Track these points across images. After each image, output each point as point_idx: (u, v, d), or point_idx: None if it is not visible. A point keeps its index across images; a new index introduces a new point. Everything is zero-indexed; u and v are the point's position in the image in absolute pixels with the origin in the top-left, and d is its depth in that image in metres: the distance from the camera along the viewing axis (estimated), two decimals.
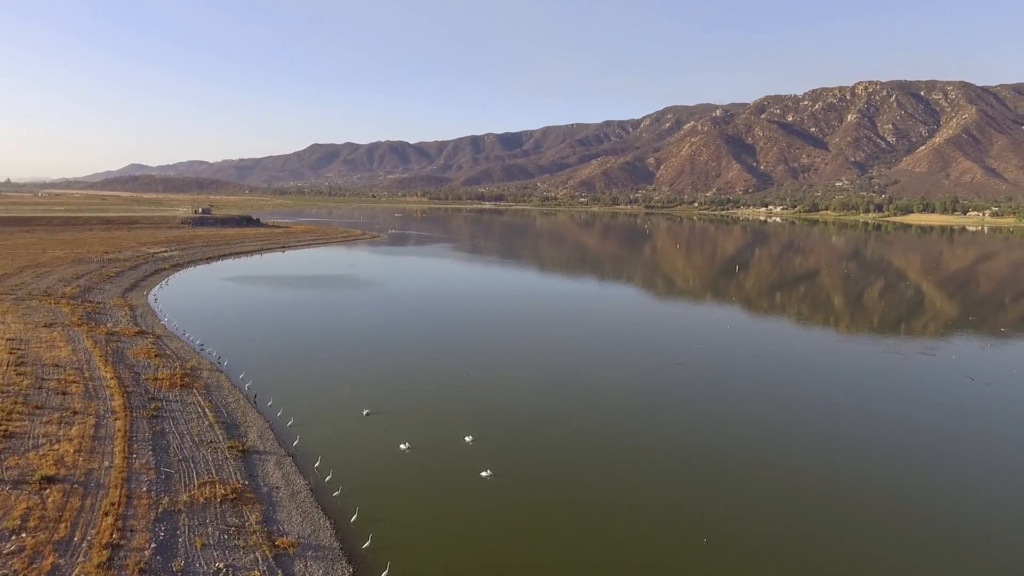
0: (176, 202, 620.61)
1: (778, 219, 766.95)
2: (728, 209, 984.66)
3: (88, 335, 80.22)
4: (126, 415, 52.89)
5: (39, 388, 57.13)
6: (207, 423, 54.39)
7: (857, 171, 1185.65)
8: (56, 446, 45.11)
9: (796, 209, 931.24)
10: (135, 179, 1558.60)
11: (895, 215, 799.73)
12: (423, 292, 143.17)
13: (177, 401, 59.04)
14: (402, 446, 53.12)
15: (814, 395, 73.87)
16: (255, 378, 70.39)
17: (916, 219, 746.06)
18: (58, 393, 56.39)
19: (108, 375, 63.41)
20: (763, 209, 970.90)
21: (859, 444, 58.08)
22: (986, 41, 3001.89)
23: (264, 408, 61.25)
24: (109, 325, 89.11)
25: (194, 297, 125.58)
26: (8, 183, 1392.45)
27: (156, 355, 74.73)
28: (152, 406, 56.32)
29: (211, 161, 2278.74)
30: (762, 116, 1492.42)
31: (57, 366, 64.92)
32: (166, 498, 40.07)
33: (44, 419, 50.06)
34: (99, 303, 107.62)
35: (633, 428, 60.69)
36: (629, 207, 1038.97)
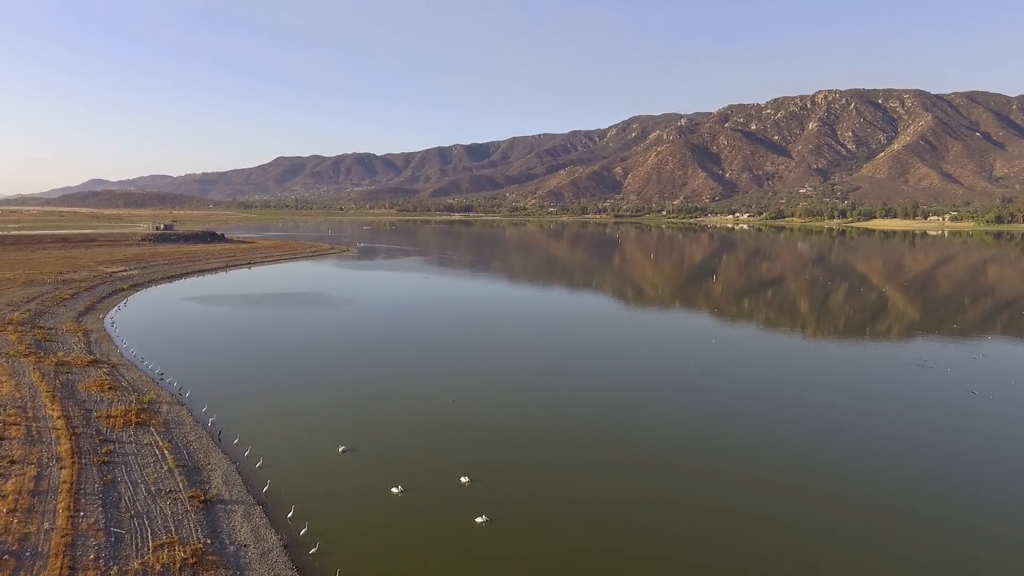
0: (137, 218, 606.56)
1: (745, 226, 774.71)
2: (696, 217, 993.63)
3: (35, 367, 73.69)
4: (73, 462, 47.09)
5: None
6: (166, 468, 48.77)
7: (820, 178, 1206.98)
8: None
9: (762, 216, 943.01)
10: (95, 195, 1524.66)
11: (858, 221, 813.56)
12: (396, 309, 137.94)
13: (132, 442, 53.27)
14: (394, 489, 47.80)
15: (812, 412, 70.49)
16: (220, 411, 64.74)
17: (879, 224, 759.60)
18: None
19: (55, 414, 57.35)
20: (730, 216, 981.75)
21: (866, 462, 54.67)
22: (939, 50, 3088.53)
23: (229, 446, 55.71)
24: (60, 354, 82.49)
25: (154, 320, 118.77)
26: None
27: (110, 388, 68.61)
28: (104, 450, 50.50)
29: (174, 175, 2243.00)
30: (726, 125, 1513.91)
31: None
32: (115, 567, 34.59)
33: None
34: (50, 329, 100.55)
35: (635, 456, 56.37)
36: (598, 216, 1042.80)
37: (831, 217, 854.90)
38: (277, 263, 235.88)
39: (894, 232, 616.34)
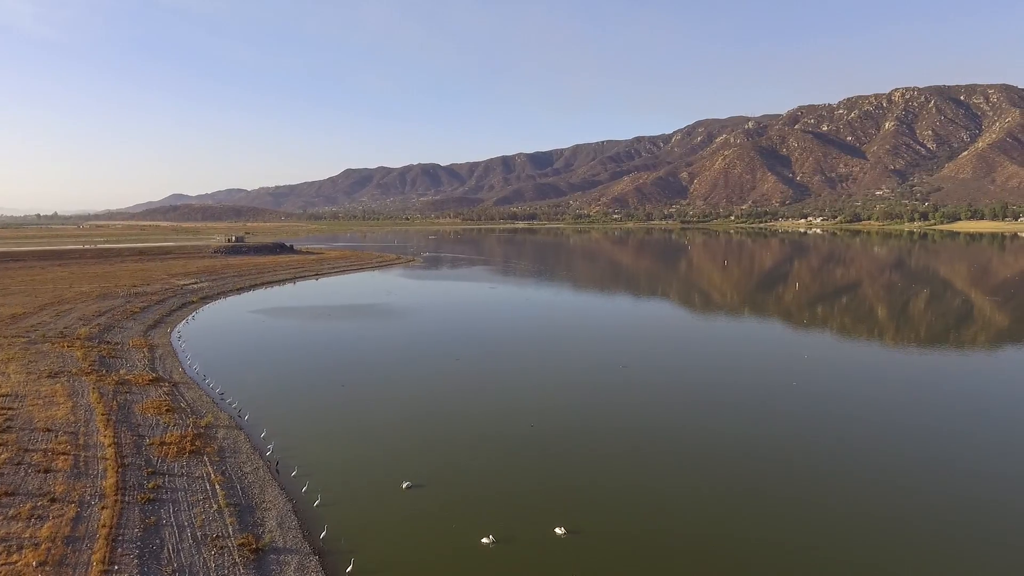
0: (213, 230, 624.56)
1: (818, 231, 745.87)
2: (766, 222, 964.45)
3: (95, 386, 71.08)
4: (116, 501, 42.82)
5: (18, 464, 47.54)
6: (215, 507, 44.03)
7: (897, 179, 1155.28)
8: (15, 557, 35.04)
9: (837, 220, 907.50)
10: (175, 209, 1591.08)
11: (942, 223, 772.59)
12: (462, 321, 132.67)
13: (183, 475, 48.95)
14: (485, 540, 41.55)
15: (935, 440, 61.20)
16: (278, 435, 60.28)
17: (965, 226, 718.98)
18: (39, 471, 46.70)
19: (106, 441, 53.73)
20: (802, 221, 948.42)
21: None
22: None
23: (287, 479, 50.84)
24: (122, 372, 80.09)
25: (220, 333, 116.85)
26: (55, 216, 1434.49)
27: (168, 409, 65.13)
28: (150, 484, 46.19)
29: (248, 189, 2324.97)
30: (796, 127, 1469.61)
31: (49, 430, 55.48)
32: None
33: (11, 512, 40.21)
34: (117, 344, 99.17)
35: (784, 511, 48.77)
36: (664, 222, 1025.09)
37: (912, 219, 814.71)
38: (344, 274, 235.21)
39: (981, 235, 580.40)
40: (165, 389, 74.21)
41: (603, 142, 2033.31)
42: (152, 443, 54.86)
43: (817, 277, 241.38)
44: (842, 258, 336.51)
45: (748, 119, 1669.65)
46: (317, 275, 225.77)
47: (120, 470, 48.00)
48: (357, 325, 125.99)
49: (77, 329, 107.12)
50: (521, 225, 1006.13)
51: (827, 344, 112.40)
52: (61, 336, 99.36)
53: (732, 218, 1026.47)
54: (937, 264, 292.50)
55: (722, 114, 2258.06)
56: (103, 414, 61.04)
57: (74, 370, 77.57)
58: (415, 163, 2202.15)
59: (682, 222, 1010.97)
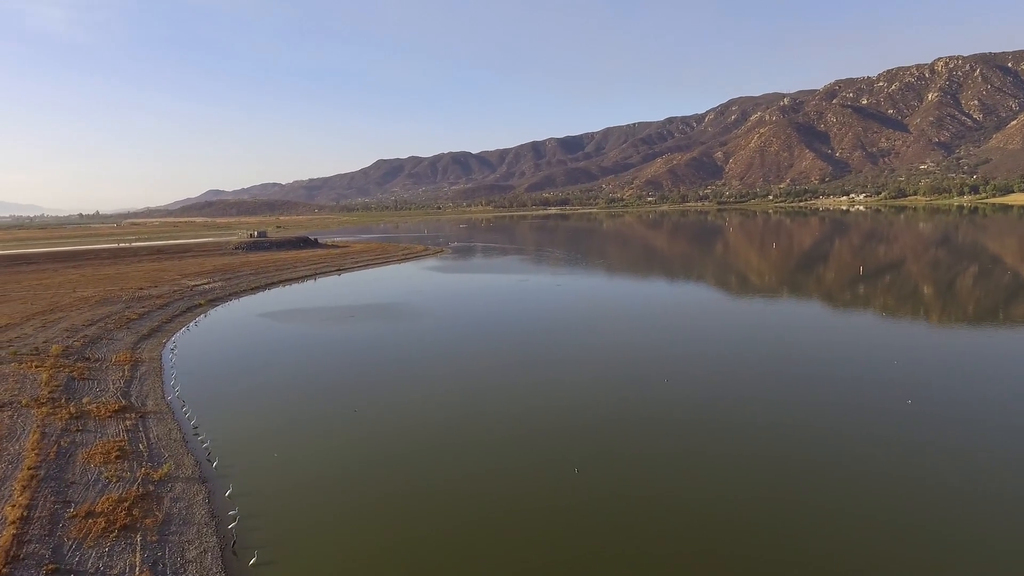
0: (245, 225, 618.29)
1: (861, 208, 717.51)
2: (805, 200, 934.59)
3: (41, 423, 58.62)
4: None
5: None
6: None
7: (942, 152, 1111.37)
8: None
9: (880, 196, 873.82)
10: (211, 204, 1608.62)
11: (993, 196, 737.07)
12: (492, 321, 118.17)
13: (94, 572, 35.69)
14: None
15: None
16: (249, 494, 46.89)
17: (1018, 199, 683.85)
18: None
19: (13, 514, 40.72)
20: (844, 198, 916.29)
21: None
22: None
23: (244, 570, 37.43)
24: (86, 400, 67.62)
25: (218, 344, 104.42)
26: (96, 215, 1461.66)
27: (119, 456, 52.26)
28: None
29: (283, 183, 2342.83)
30: (834, 101, 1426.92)
31: None
32: None
33: None
34: (97, 361, 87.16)
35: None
36: (699, 204, 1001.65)
37: (960, 193, 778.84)
38: (368, 268, 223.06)
39: None
40: (128, 423, 61.46)
41: (634, 124, 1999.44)
42: (76, 515, 41.77)
43: (883, 258, 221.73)
44: (898, 236, 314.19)
45: (783, 95, 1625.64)
46: (339, 270, 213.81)
47: (9, 564, 34.92)
48: (373, 329, 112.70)
49: (62, 342, 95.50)
50: (553, 211, 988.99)
51: (924, 338, 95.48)
52: (34, 353, 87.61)
53: (770, 197, 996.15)
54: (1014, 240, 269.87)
55: (756, 91, 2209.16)
56: (30, 468, 48.27)
57: (25, 400, 65.24)
58: (445, 152, 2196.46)
59: (718, 203, 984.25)
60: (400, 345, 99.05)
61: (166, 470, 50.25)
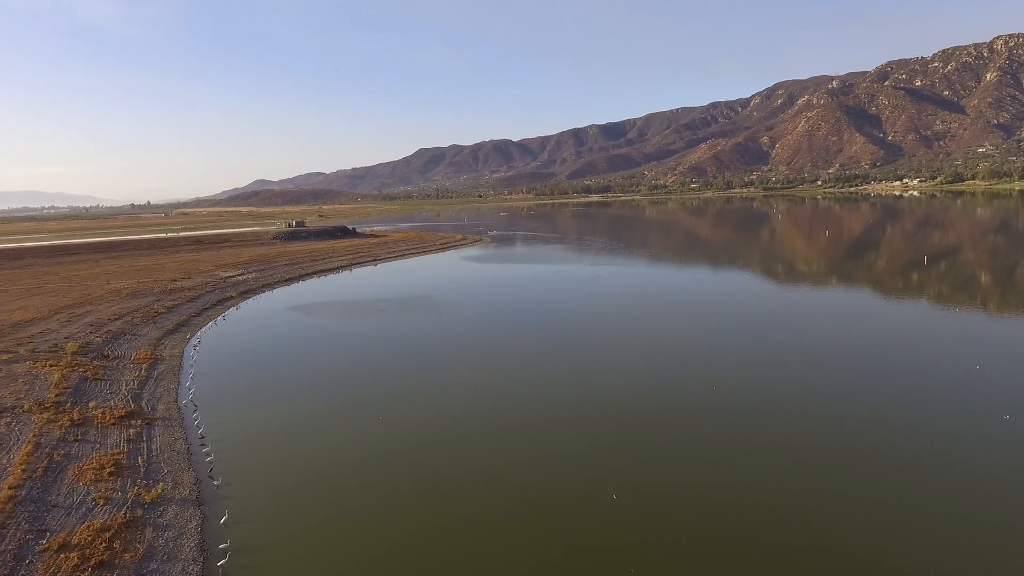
0: (289, 214, 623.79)
1: (915, 193, 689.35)
2: (856, 185, 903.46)
3: (38, 432, 54.42)
4: None
5: None
6: None
7: (1002, 134, 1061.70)
8: None
9: (936, 181, 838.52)
10: (257, 194, 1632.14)
11: None
12: (529, 317, 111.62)
13: None
14: None
15: None
16: (247, 521, 41.63)
17: None
18: None
19: None
20: (897, 183, 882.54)
21: None
22: None
23: None
24: (92, 404, 63.50)
25: (244, 340, 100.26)
26: (148, 205, 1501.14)
27: (113, 472, 47.56)
28: None
29: (327, 172, 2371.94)
30: (886, 83, 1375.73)
31: None
32: None
33: None
34: (116, 358, 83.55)
35: None
36: (744, 190, 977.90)
37: (1022, 177, 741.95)
38: (404, 258, 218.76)
39: None
40: (131, 432, 56.96)
41: (677, 109, 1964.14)
42: (47, 547, 36.92)
43: (945, 247, 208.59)
44: (963, 224, 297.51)
45: (832, 78, 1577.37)
46: (375, 260, 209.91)
47: None
48: (404, 324, 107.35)
49: (82, 338, 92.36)
50: (595, 198, 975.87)
51: (1014, 339, 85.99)
52: (52, 351, 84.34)
53: (819, 183, 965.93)
54: None
55: (803, 74, 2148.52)
56: (11, 488, 43.72)
57: (28, 405, 61.25)
58: (486, 140, 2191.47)
59: (764, 189, 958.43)
60: (433, 344, 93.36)
61: (160, 489, 45.31)
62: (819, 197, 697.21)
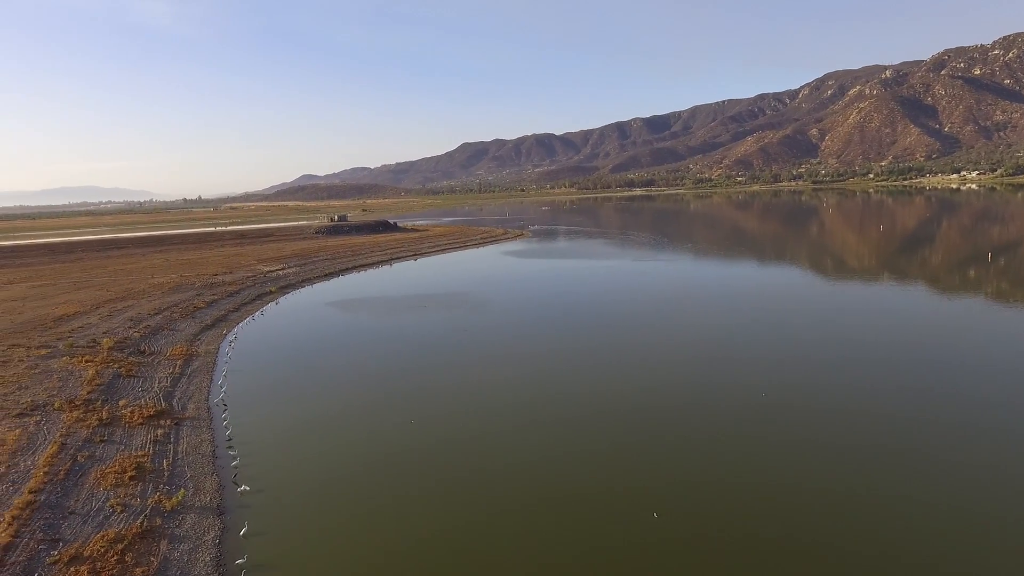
0: (333, 208, 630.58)
1: (973, 186, 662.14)
2: (910, 178, 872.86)
3: (65, 432, 53.35)
4: None
5: None
6: None
7: None
8: None
9: (996, 173, 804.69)
10: (303, 189, 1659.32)
11: None
12: (568, 316, 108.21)
13: None
14: None
15: None
16: (268, 532, 39.52)
17: None
18: None
19: None
20: (954, 176, 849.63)
21: None
22: None
23: None
24: (123, 402, 62.47)
25: (281, 336, 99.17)
26: (199, 200, 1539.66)
27: (134, 476, 46.00)
28: None
29: (371, 167, 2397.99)
30: (942, 72, 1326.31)
31: None
32: None
33: None
34: (152, 354, 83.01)
35: None
36: (793, 183, 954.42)
37: None
38: (445, 252, 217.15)
39: None
40: (159, 432, 55.56)
41: (723, 102, 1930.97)
42: (58, 559, 35.22)
43: (1008, 242, 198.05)
44: None
45: (885, 68, 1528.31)
46: (416, 255, 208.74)
47: None
48: (441, 321, 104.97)
49: (121, 333, 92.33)
50: (638, 192, 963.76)
51: None
52: (90, 346, 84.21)
53: (871, 176, 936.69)
54: None
55: (855, 64, 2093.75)
56: (32, 491, 42.39)
57: (59, 403, 60.40)
58: (529, 134, 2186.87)
59: (813, 182, 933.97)
60: (469, 341, 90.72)
61: (181, 496, 43.50)
62: (871, 190, 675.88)
